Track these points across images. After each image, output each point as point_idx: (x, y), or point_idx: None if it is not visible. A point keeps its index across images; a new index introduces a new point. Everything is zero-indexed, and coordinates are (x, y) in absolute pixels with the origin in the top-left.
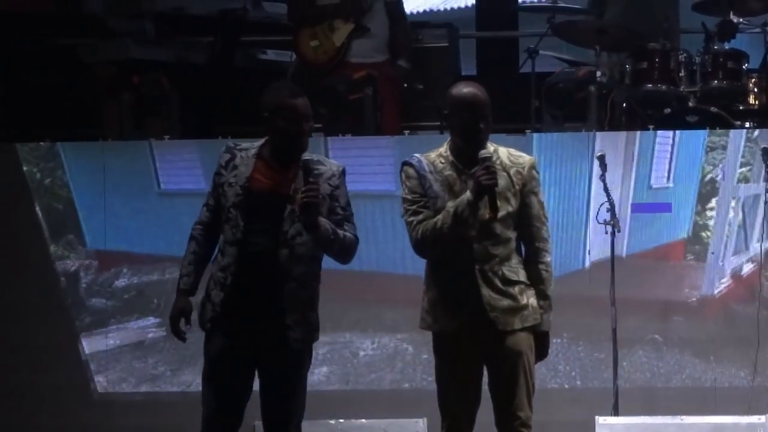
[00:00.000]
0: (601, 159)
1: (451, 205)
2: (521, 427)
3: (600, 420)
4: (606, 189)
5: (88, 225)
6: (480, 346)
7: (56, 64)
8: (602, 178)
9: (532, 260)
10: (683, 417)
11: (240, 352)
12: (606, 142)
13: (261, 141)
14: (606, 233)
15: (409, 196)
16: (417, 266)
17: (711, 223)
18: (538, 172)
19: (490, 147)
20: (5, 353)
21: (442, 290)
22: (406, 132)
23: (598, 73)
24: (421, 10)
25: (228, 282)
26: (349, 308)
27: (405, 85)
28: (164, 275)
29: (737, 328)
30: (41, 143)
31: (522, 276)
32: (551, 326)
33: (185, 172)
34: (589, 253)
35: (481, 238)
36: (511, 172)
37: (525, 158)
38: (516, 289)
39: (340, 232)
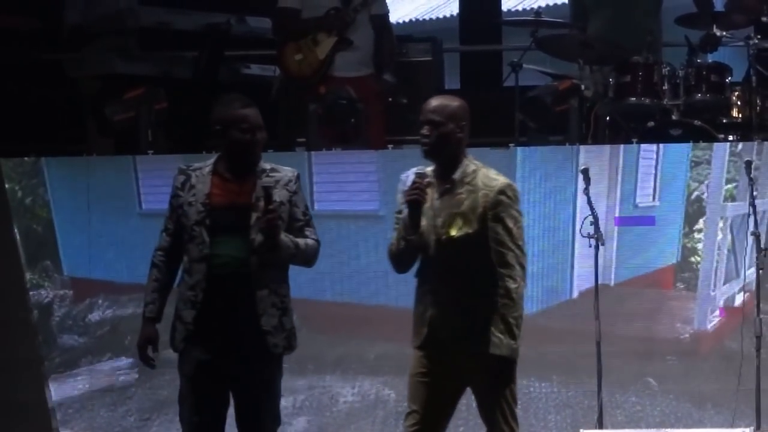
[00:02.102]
0: (585, 173)
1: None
2: None
3: None
4: (590, 202)
5: (66, 249)
6: (457, 365)
7: (41, 79)
8: (586, 191)
9: (497, 285)
10: (667, 429)
11: (218, 365)
12: (590, 155)
13: (213, 158)
14: (590, 246)
15: (395, 212)
16: (402, 297)
17: (700, 246)
18: (510, 197)
19: (471, 166)
20: None
21: (416, 307)
22: (390, 146)
23: (582, 87)
24: (406, 20)
25: (199, 299)
26: (331, 344)
27: (389, 99)
28: (139, 307)
29: (734, 369)
30: (26, 158)
31: (486, 300)
32: (515, 354)
33: (167, 190)
34: (574, 279)
35: (441, 258)
36: (480, 194)
37: (498, 182)
38: (471, 312)
39: (302, 241)
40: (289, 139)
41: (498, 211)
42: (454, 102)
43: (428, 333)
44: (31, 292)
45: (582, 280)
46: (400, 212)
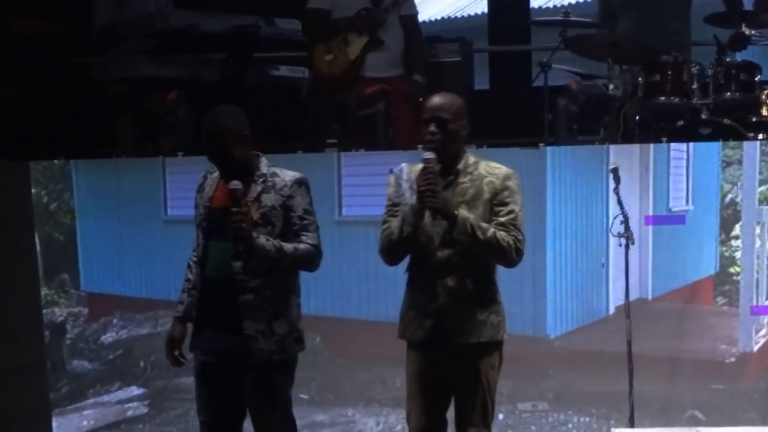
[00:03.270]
0: (615, 171)
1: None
2: None
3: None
4: (620, 202)
5: (86, 259)
6: (445, 358)
7: (69, 84)
8: (616, 191)
9: (494, 277)
10: (699, 428)
11: (216, 368)
12: (620, 155)
13: None
14: (620, 246)
15: (387, 205)
16: None
17: (738, 255)
18: (515, 185)
19: (471, 158)
20: None
21: (412, 299)
22: (420, 146)
23: (611, 86)
24: (434, 18)
25: (196, 300)
26: (352, 370)
27: (420, 99)
28: (156, 328)
29: None
30: (55, 161)
31: (488, 291)
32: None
33: (193, 195)
34: (611, 293)
35: (445, 247)
36: (484, 181)
37: (502, 169)
38: (476, 303)
39: (289, 245)
40: (319, 140)
41: (504, 196)
42: (457, 99)
43: (433, 325)
44: (45, 311)
45: (619, 293)
46: (394, 205)
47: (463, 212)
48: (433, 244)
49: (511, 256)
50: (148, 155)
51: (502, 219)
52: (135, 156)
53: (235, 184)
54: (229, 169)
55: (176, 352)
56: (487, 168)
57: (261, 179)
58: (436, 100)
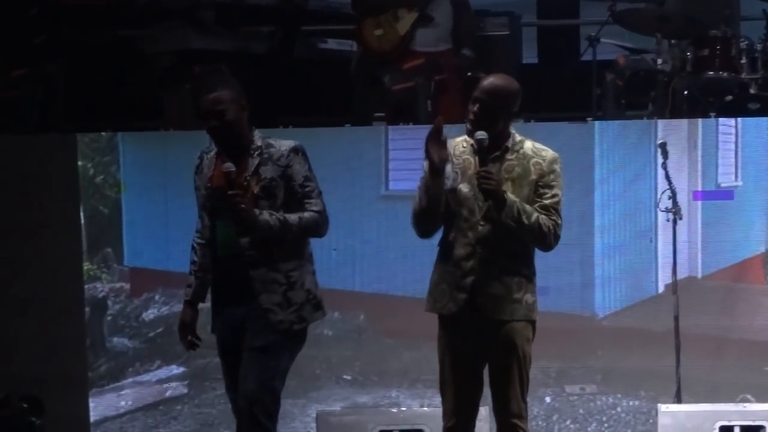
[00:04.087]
0: (663, 146)
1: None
2: (514, 418)
3: (663, 408)
4: (668, 176)
5: (130, 233)
6: (477, 332)
7: (117, 56)
8: (664, 166)
9: (532, 256)
10: (746, 404)
11: (236, 345)
12: (668, 130)
13: None
14: (667, 221)
15: (422, 178)
16: None
17: None
18: (559, 169)
19: (518, 136)
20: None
21: (444, 272)
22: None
23: (659, 61)
24: None
25: (210, 281)
26: (396, 350)
27: (468, 74)
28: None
29: None
30: (102, 134)
31: (525, 270)
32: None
33: None
34: (659, 271)
35: (487, 221)
36: (531, 161)
37: (548, 152)
38: (514, 280)
39: (294, 216)
40: (367, 114)
41: (550, 179)
42: (510, 85)
43: (466, 299)
44: (86, 286)
45: (668, 271)
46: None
47: (510, 195)
48: (474, 218)
49: (550, 241)
50: (196, 128)
51: (546, 202)
52: (182, 129)
53: (228, 166)
54: (226, 142)
55: (189, 337)
56: (533, 148)
57: (257, 152)
58: (488, 82)
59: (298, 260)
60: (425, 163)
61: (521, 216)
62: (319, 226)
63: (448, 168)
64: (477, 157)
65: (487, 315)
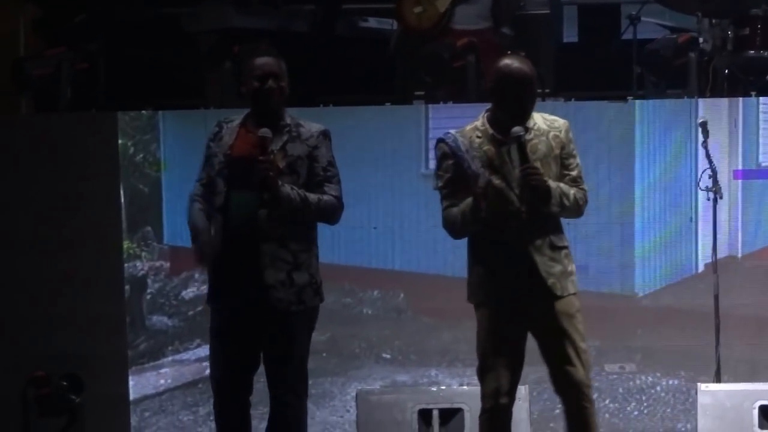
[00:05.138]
0: (704, 125)
1: (462, 204)
2: (582, 387)
3: (702, 387)
4: (708, 155)
5: (170, 212)
6: (529, 315)
7: (158, 35)
8: (704, 144)
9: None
10: None
11: (236, 320)
12: (708, 109)
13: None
14: (708, 200)
15: (441, 176)
16: None
17: None
18: (572, 136)
19: None
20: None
21: (495, 262)
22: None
23: (700, 40)
24: None
25: (218, 251)
26: (436, 329)
27: (508, 52)
28: None
29: None
30: (143, 112)
31: (565, 242)
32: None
33: None
34: (699, 250)
35: (528, 206)
36: (549, 135)
37: (560, 121)
38: (562, 254)
39: (313, 195)
40: (407, 92)
41: (570, 149)
42: (530, 65)
43: (529, 286)
44: (126, 264)
45: (708, 250)
46: (454, 180)
47: (551, 182)
48: (514, 205)
49: (582, 211)
50: (237, 106)
51: (573, 173)
52: (223, 107)
53: (265, 131)
54: (267, 114)
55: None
56: (545, 120)
57: (286, 129)
58: (525, 66)
59: (306, 242)
60: (468, 202)
61: (563, 199)
62: (335, 211)
63: (475, 165)
64: (501, 147)
65: (549, 294)
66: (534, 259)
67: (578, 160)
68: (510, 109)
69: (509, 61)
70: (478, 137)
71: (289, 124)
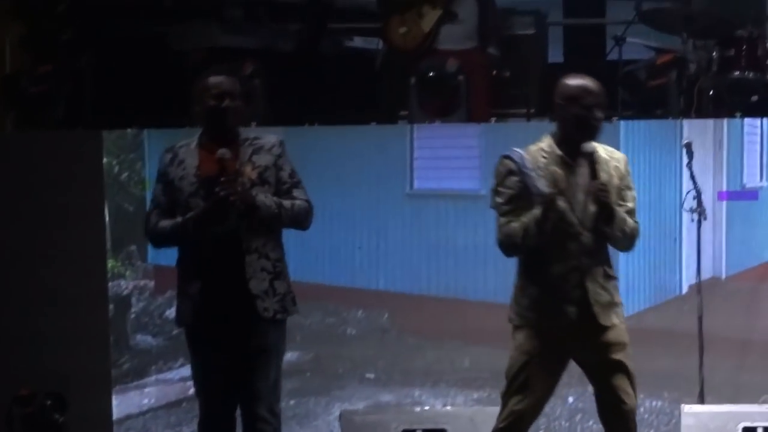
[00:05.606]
0: (688, 147)
1: (526, 217)
2: (630, 413)
3: (686, 408)
4: (693, 177)
5: None
6: (575, 343)
7: (144, 53)
8: (689, 166)
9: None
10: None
11: (219, 336)
12: (694, 130)
13: (196, 134)
14: (692, 221)
15: (503, 193)
16: (503, 292)
17: None
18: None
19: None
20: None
21: (548, 285)
22: (494, 120)
23: (685, 60)
24: None
25: (201, 268)
26: (420, 349)
27: (494, 72)
28: None
29: None
30: (128, 130)
31: (614, 272)
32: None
33: None
34: (683, 271)
35: (588, 232)
36: (610, 165)
37: (619, 154)
38: (611, 285)
39: (287, 201)
40: (392, 112)
41: (628, 181)
42: (596, 82)
43: (579, 311)
44: (110, 283)
45: (693, 271)
46: (517, 196)
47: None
48: (574, 228)
49: (634, 244)
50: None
51: (630, 205)
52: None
53: (223, 152)
54: (224, 131)
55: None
56: (605, 150)
57: (247, 142)
58: (595, 84)
59: (282, 251)
60: (538, 212)
61: (624, 225)
62: (308, 215)
63: (541, 184)
64: (563, 167)
65: (599, 323)
66: (586, 285)
67: (634, 193)
68: (580, 126)
69: (578, 79)
70: (543, 157)
71: (248, 137)
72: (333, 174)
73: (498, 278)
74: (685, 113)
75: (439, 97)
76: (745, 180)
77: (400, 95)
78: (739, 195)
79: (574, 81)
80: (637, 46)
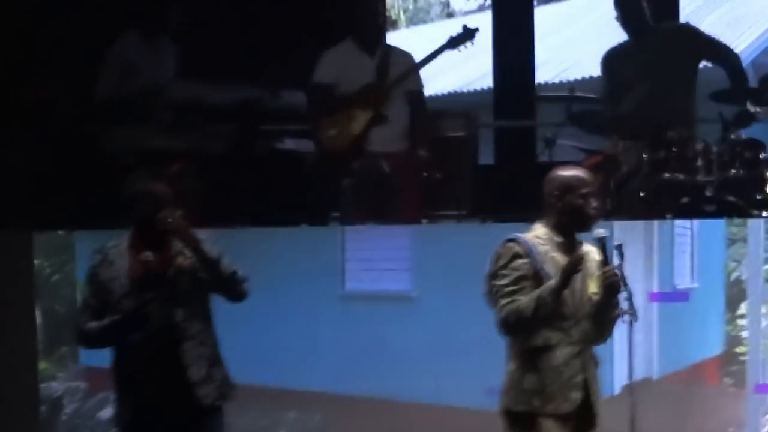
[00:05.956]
0: (619, 248)
1: (537, 290)
2: None
3: None
4: (623, 278)
5: None
6: (578, 426)
7: (75, 154)
8: (620, 267)
9: None
10: None
11: (157, 420)
12: (625, 231)
13: (127, 234)
14: (623, 322)
15: (508, 275)
16: (443, 393)
17: (744, 334)
18: None
19: None
20: None
21: (551, 371)
22: (425, 221)
23: (616, 161)
24: (443, 92)
25: (140, 367)
26: None
27: (424, 174)
28: None
29: None
30: (59, 232)
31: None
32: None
33: None
34: (615, 372)
35: (588, 319)
36: (589, 255)
37: (587, 245)
38: (598, 370)
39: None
40: (324, 213)
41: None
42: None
43: (582, 397)
44: (42, 385)
45: (625, 372)
46: (524, 278)
47: None
48: (577, 316)
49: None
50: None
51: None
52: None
53: (147, 255)
54: (153, 231)
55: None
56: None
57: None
58: (589, 175)
59: (216, 338)
60: (554, 282)
61: (617, 310)
62: (244, 279)
63: (548, 267)
64: (563, 252)
65: (595, 408)
66: (587, 372)
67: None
68: (577, 214)
69: (572, 170)
70: (542, 245)
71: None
72: (265, 275)
73: (430, 379)
74: (616, 214)
75: (371, 198)
76: (676, 281)
77: (331, 197)
78: (670, 296)
79: (567, 172)
80: (568, 147)
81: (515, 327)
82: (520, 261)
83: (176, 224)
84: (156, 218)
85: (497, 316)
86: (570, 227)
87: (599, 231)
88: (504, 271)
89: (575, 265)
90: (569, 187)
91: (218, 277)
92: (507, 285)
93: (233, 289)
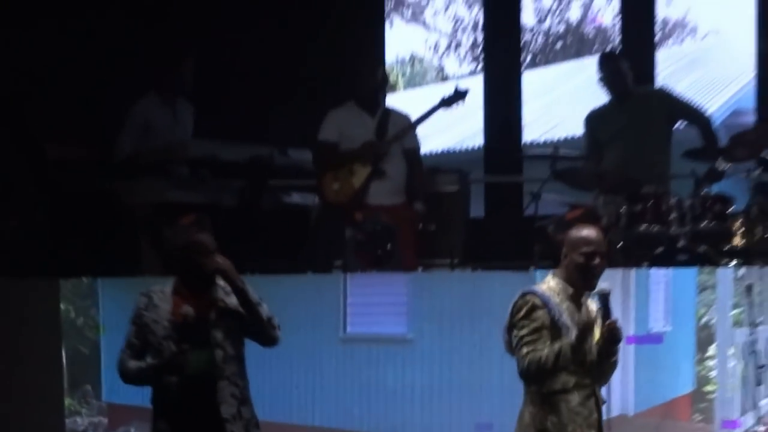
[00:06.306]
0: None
1: (557, 344)
2: None
3: None
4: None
5: (109, 372)
6: None
7: (98, 206)
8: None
9: None
10: None
11: None
12: (604, 279)
13: (172, 280)
14: None
15: (527, 326)
16: (436, 428)
17: (713, 374)
18: None
19: None
20: None
21: (569, 412)
22: (420, 268)
23: (596, 215)
24: (438, 150)
25: (176, 406)
26: None
27: (420, 225)
28: None
29: None
30: (83, 278)
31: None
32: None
33: None
34: None
35: (597, 366)
36: (590, 308)
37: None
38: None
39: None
40: (327, 261)
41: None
42: (600, 232)
43: None
44: (67, 420)
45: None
46: (542, 328)
47: None
48: (587, 363)
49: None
50: (169, 275)
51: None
52: (160, 275)
53: (187, 310)
54: (207, 282)
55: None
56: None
57: (221, 287)
58: (596, 234)
59: (247, 380)
60: (574, 339)
61: (617, 356)
62: (277, 326)
63: (564, 317)
64: (575, 304)
65: None
66: (599, 410)
67: None
68: (588, 272)
69: (583, 230)
70: (556, 295)
71: (221, 285)
72: None
73: (424, 416)
74: None
75: (374, 248)
76: (650, 325)
77: (334, 246)
78: (645, 339)
79: (578, 231)
80: (552, 201)
81: (536, 375)
82: (539, 312)
83: (226, 266)
84: (208, 260)
85: (519, 364)
86: (577, 281)
87: (605, 287)
88: (523, 322)
89: (591, 325)
90: (574, 245)
91: (256, 321)
92: (527, 335)
93: (268, 333)
